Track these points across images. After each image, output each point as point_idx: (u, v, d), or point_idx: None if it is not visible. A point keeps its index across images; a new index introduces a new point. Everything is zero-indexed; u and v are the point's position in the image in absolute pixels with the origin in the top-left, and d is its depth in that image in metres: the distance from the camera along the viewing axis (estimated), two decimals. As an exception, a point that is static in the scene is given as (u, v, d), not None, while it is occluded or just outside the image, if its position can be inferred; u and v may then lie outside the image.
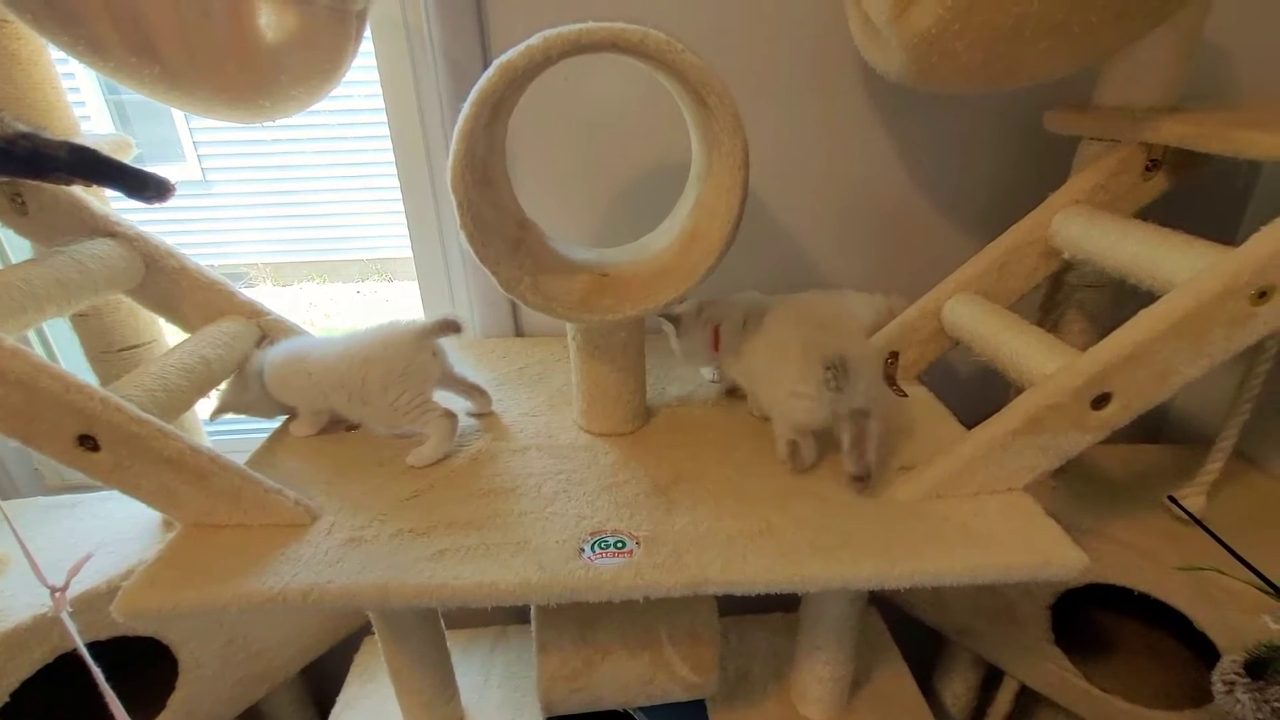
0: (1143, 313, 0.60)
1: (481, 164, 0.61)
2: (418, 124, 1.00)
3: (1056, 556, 0.58)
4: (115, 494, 1.05)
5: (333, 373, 0.76)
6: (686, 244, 0.70)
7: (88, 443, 0.59)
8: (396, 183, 1.05)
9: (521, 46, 0.54)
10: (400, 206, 1.08)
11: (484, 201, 0.62)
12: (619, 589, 0.57)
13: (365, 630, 1.20)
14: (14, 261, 1.07)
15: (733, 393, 0.89)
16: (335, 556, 0.60)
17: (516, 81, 0.55)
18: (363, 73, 0.79)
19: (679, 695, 0.89)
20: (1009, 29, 0.61)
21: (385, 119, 1.00)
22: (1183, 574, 0.85)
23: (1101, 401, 0.61)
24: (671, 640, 0.84)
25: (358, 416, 0.79)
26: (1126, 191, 0.78)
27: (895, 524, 0.63)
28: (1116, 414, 0.61)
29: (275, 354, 0.79)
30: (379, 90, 0.98)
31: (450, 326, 0.77)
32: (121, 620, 0.56)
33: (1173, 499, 0.82)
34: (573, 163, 1.02)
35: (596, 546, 0.61)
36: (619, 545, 0.61)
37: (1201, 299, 0.57)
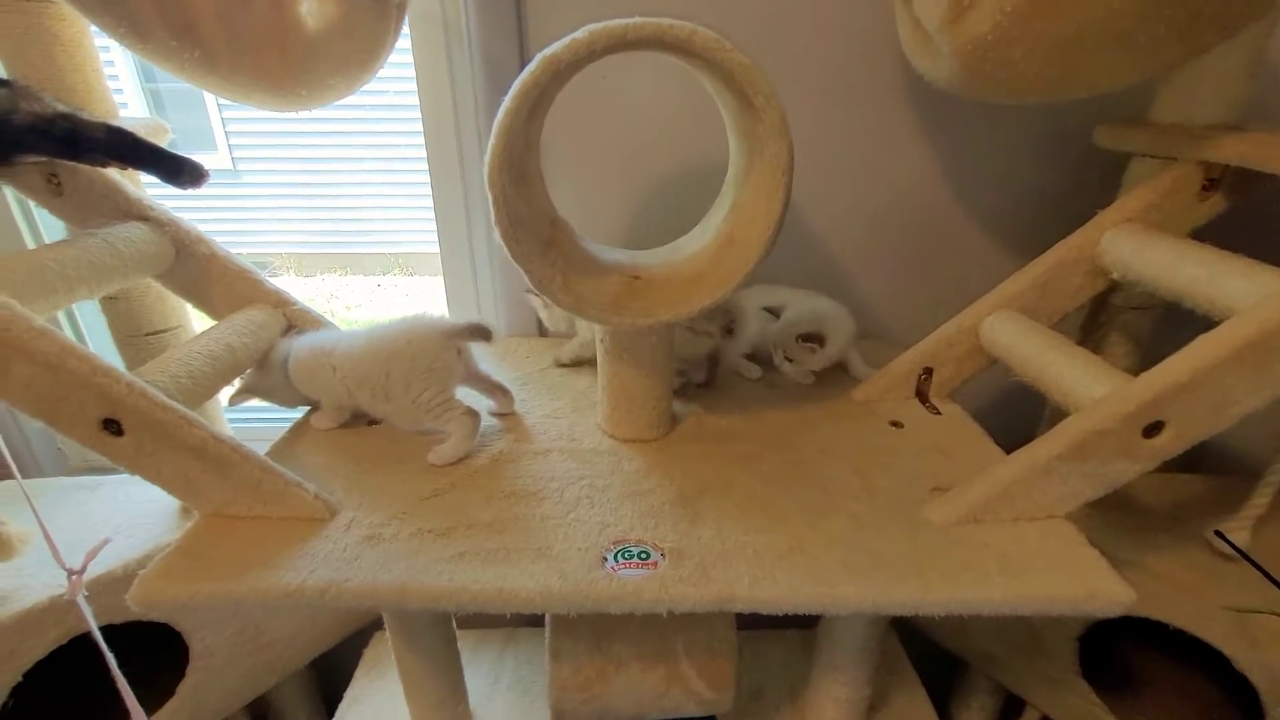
0: (1202, 338, 0.57)
1: (519, 160, 0.60)
2: (451, 120, 0.99)
3: (1102, 590, 0.55)
4: (137, 478, 1.08)
5: (357, 368, 0.75)
6: (722, 248, 0.68)
7: (111, 427, 0.58)
8: (422, 179, 1.05)
9: (566, 40, 0.52)
10: (424, 203, 1.07)
11: (519, 198, 0.60)
12: (642, 602, 0.56)
13: (375, 625, 1.19)
14: (46, 242, 1.08)
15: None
16: (353, 554, 0.59)
17: (559, 75, 0.54)
18: (395, 69, 0.79)
19: (693, 711, 0.86)
20: (1070, 38, 0.59)
21: (415, 116, 1.00)
22: (1223, 612, 0.81)
23: (1154, 430, 0.58)
24: (688, 654, 0.82)
25: (380, 413, 0.78)
26: (1181, 211, 0.75)
27: (930, 548, 0.61)
28: (1169, 444, 0.58)
29: (301, 345, 0.78)
30: (411, 87, 0.97)
31: (481, 332, 0.76)
32: (136, 610, 0.55)
33: (1220, 534, 0.78)
34: (605, 163, 1.01)
35: (620, 556, 0.59)
36: (643, 556, 0.59)
37: (1266, 326, 0.54)
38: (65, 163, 0.70)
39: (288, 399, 0.81)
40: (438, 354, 0.74)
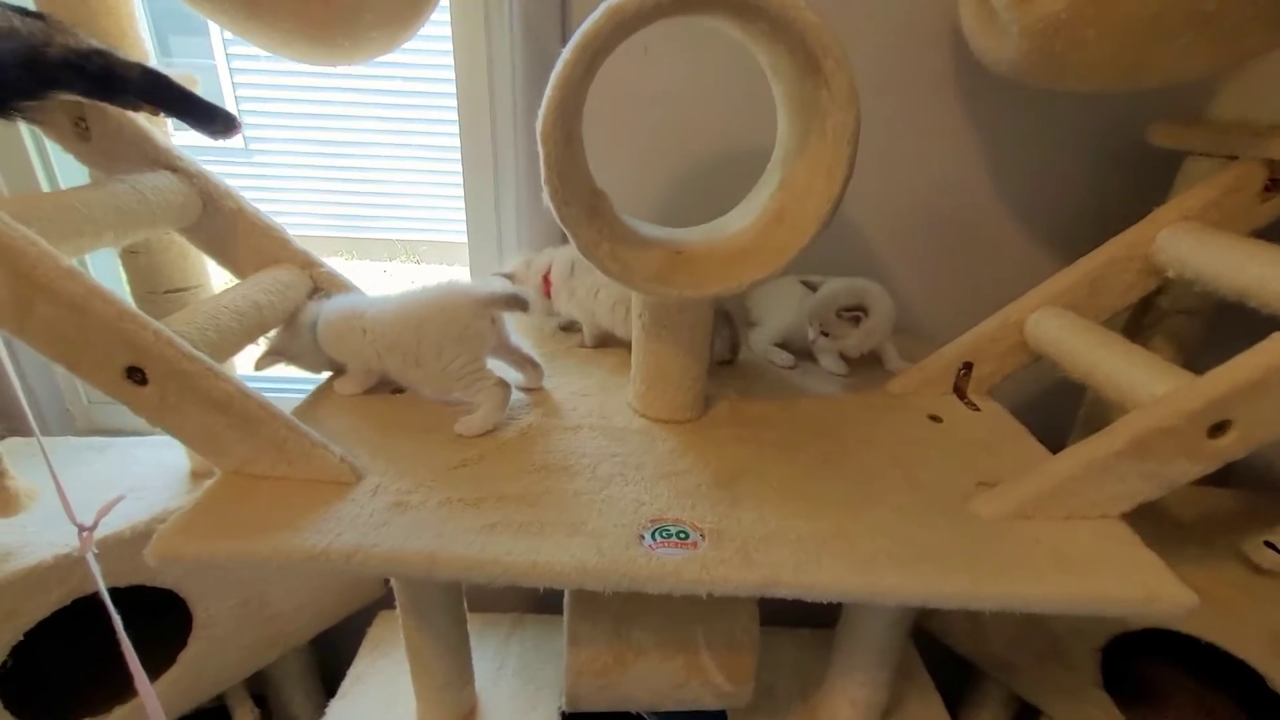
0: (1276, 335, 0.55)
1: (570, 119, 0.58)
2: (486, 94, 0.97)
3: (1163, 593, 0.53)
4: (145, 440, 1.06)
5: (388, 331, 0.73)
6: (770, 226, 0.66)
7: (136, 375, 0.56)
8: (435, 166, 1.03)
9: (634, -9, 0.50)
10: (435, 190, 1.06)
11: (568, 158, 0.58)
12: (682, 582, 0.53)
13: (379, 604, 1.17)
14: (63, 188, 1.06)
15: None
16: (381, 519, 0.57)
17: (623, 27, 0.51)
18: (411, 55, 0.76)
19: (710, 703, 0.84)
20: (1149, 19, 0.57)
21: (431, 103, 0.98)
22: (1259, 628, 0.79)
23: (1219, 430, 0.56)
24: (709, 645, 0.79)
25: (409, 380, 0.75)
26: (1241, 211, 0.72)
27: (979, 541, 0.58)
28: (1233, 445, 0.56)
29: (331, 308, 0.76)
30: (428, 73, 0.95)
31: (516, 302, 0.74)
32: (154, 565, 0.52)
33: (1270, 544, 0.76)
34: (639, 142, 0.98)
35: (657, 535, 0.57)
36: (681, 536, 0.57)
37: (1346, 325, 0.52)
38: (94, 106, 0.68)
39: (313, 363, 0.79)
40: (471, 321, 0.72)
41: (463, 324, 0.72)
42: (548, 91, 0.53)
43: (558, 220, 0.58)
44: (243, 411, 0.58)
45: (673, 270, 0.64)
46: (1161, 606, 0.52)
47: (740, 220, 0.73)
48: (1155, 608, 0.53)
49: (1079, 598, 0.53)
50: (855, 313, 0.84)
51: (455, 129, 1.00)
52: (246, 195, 0.79)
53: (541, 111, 0.54)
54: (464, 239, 1.10)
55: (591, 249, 0.60)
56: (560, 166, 0.56)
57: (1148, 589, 0.53)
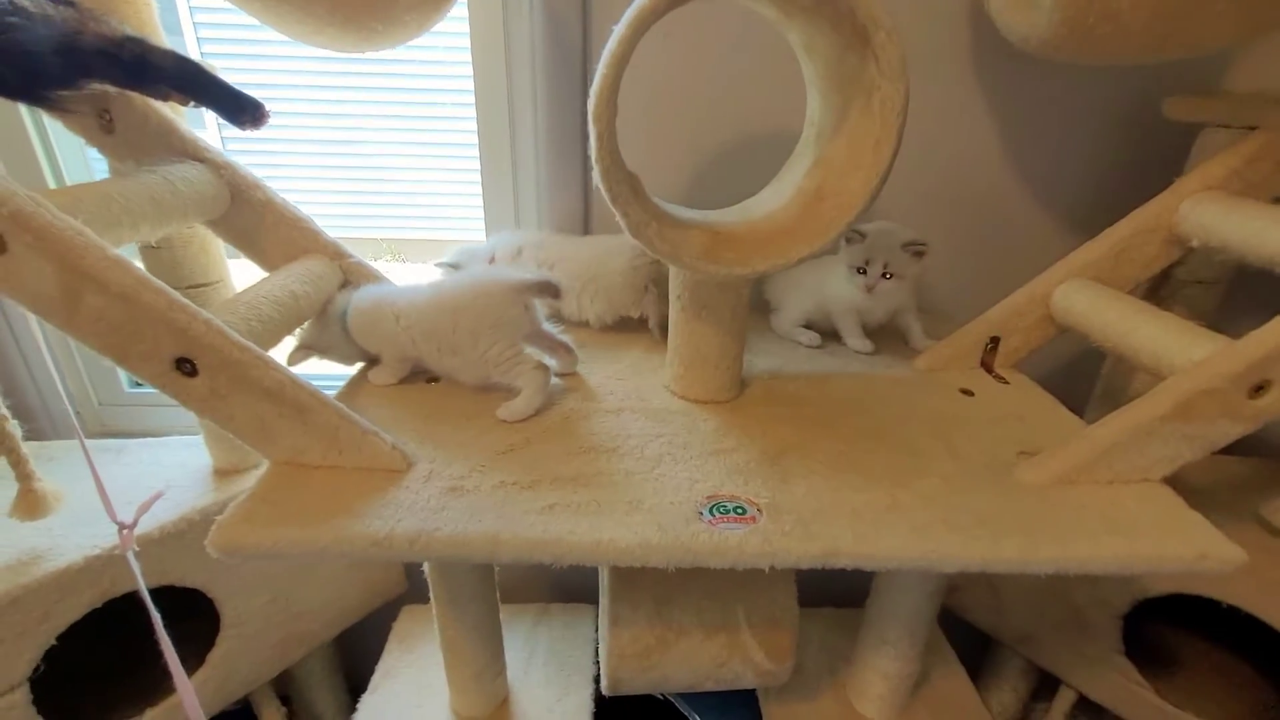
0: (1314, 297, 0.56)
1: (615, 98, 0.58)
2: (504, 84, 0.96)
3: (1214, 550, 0.54)
4: (163, 440, 1.04)
5: (422, 319, 0.73)
6: (810, 204, 0.66)
7: (185, 366, 0.55)
8: (424, 162, 1.04)
9: (688, -37, 0.50)
10: (422, 187, 1.07)
11: (613, 138, 0.58)
12: (745, 556, 0.54)
13: (402, 600, 1.17)
14: (66, 180, 1.03)
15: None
16: (439, 504, 0.57)
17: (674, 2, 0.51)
18: (405, 50, 0.75)
19: (750, 682, 0.85)
20: (1183, -11, 0.58)
21: (424, 99, 0.98)
22: (1280, 590, 0.81)
23: (1259, 390, 0.57)
24: (749, 623, 0.80)
25: (445, 368, 0.75)
26: (1262, 180, 0.74)
27: (1030, 507, 0.59)
28: (1274, 404, 0.57)
29: (361, 297, 0.76)
30: (417, 69, 0.95)
31: (549, 289, 0.74)
32: (217, 556, 0.52)
33: (1297, 505, 0.78)
34: (656, 126, 0.98)
35: (715, 510, 0.57)
36: (739, 511, 0.57)
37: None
38: (120, 97, 0.66)
39: (345, 355, 0.78)
40: (506, 308, 0.72)
41: (498, 311, 0.72)
42: (600, 70, 0.53)
43: (609, 200, 0.58)
44: (294, 400, 0.57)
45: (718, 248, 0.64)
46: (1212, 564, 0.54)
47: (773, 201, 0.73)
48: (1206, 565, 0.54)
49: (1133, 558, 0.54)
50: (920, 246, 0.84)
51: (450, 123, 0.99)
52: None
53: (594, 90, 0.54)
54: (454, 236, 1.11)
55: (641, 229, 0.60)
56: (610, 146, 0.56)
57: (1198, 547, 0.55)
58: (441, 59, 1.06)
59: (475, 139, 1.00)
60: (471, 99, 0.98)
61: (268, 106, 0.70)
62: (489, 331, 0.71)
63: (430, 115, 1.14)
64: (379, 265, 0.85)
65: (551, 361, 0.80)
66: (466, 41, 0.94)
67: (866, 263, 0.85)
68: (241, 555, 0.51)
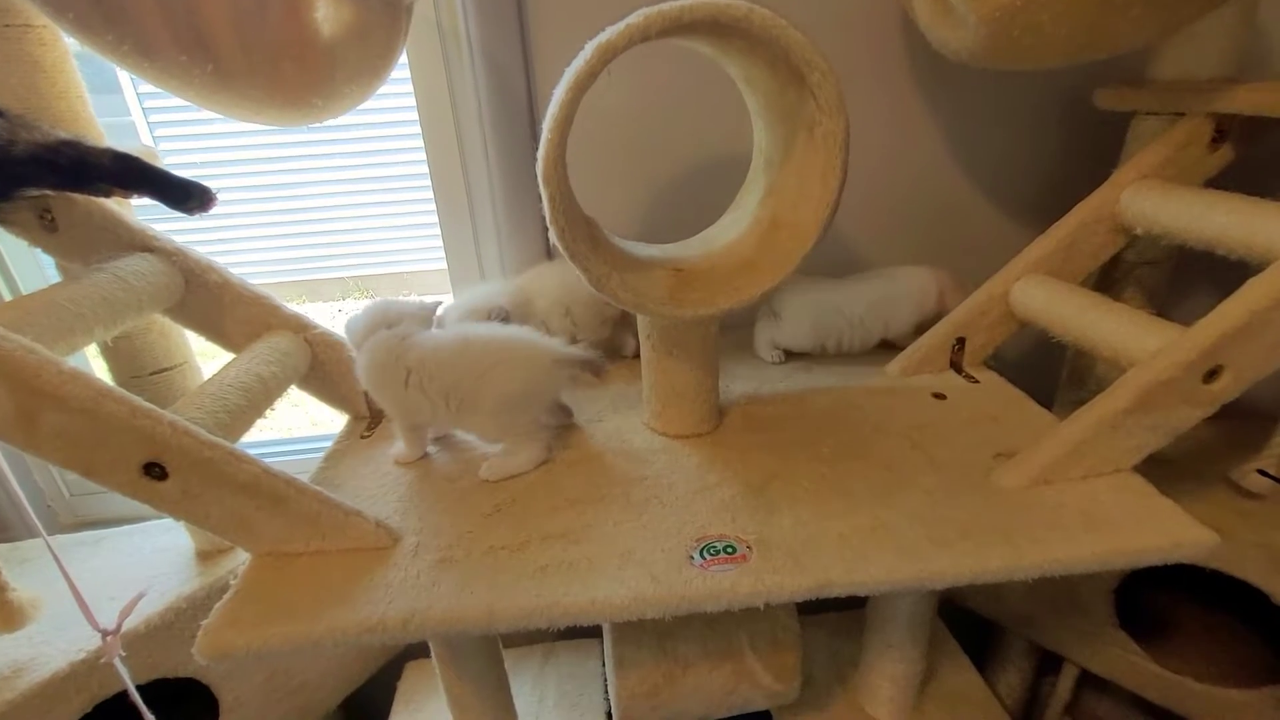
0: (1253, 281, 0.58)
1: (563, 156, 0.58)
2: (452, 130, 0.96)
3: (1187, 537, 0.56)
4: (139, 527, 1.02)
5: (440, 373, 0.68)
6: (767, 234, 0.67)
7: (154, 471, 0.54)
8: (385, 197, 1.05)
9: (620, 26, 0.51)
10: (386, 221, 1.08)
11: (567, 195, 0.58)
12: (740, 597, 0.54)
13: (404, 656, 1.15)
14: (15, 280, 1.01)
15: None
16: (429, 579, 0.56)
17: (612, 59, 0.52)
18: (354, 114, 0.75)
19: (759, 704, 0.85)
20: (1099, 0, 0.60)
21: (379, 134, 0.99)
22: (1257, 549, 0.84)
23: (1213, 375, 0.59)
24: (753, 648, 0.81)
25: (455, 423, 0.73)
26: (1193, 164, 0.77)
27: (1009, 512, 0.61)
28: (1228, 387, 0.60)
29: (374, 342, 0.70)
30: (363, 132, 0.96)
31: (593, 367, 0.72)
32: (205, 663, 0.51)
33: (1263, 472, 0.81)
34: (608, 160, 0.99)
35: (705, 553, 0.58)
36: (729, 550, 0.58)
37: (1316, 265, 0.55)
38: (60, 196, 0.65)
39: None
40: (545, 379, 0.70)
41: (538, 380, 0.70)
42: (544, 134, 0.54)
43: (567, 258, 0.59)
44: (271, 491, 0.56)
45: (682, 290, 0.65)
46: (1186, 551, 0.56)
47: (731, 230, 0.74)
48: (1183, 553, 0.56)
49: (1110, 554, 0.56)
50: None
51: (408, 154, 1.00)
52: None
53: (541, 155, 0.54)
54: (419, 267, 1.11)
55: (603, 283, 0.60)
56: (564, 205, 0.56)
57: (1171, 536, 0.57)
58: (394, 104, 1.06)
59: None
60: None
61: (214, 189, 0.69)
62: (521, 397, 0.69)
63: (386, 149, 1.13)
64: (349, 303, 0.83)
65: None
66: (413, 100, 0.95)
67: None
68: (231, 659, 0.51)
